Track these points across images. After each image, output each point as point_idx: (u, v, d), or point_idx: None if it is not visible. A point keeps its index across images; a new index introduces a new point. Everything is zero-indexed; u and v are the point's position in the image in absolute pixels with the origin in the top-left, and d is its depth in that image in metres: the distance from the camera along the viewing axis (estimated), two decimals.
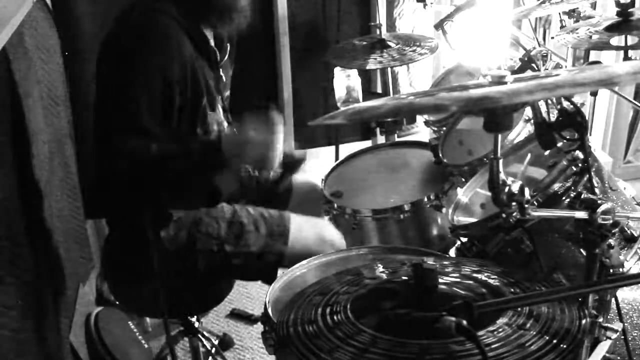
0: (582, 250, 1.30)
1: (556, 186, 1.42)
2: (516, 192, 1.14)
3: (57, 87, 2.24)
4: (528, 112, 1.79)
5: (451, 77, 2.52)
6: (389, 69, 3.05)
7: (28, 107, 1.80)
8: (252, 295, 2.75)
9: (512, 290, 1.11)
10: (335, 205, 2.01)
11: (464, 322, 0.89)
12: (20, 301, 1.55)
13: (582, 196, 1.29)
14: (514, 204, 1.15)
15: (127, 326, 2.34)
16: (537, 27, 3.00)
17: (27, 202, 1.71)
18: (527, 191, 1.15)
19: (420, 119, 2.97)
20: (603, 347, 1.16)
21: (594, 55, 2.62)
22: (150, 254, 1.70)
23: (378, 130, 3.19)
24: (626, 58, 2.10)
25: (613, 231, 1.15)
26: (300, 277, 1.51)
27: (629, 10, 1.95)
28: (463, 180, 1.85)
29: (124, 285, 1.84)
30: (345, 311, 1.08)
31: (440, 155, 1.98)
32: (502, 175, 1.13)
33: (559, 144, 1.40)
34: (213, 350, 2.07)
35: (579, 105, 1.25)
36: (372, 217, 1.96)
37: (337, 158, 3.08)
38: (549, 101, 1.74)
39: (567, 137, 1.33)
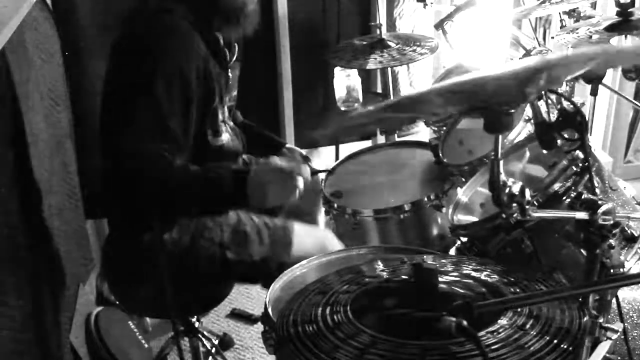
0: (582, 250, 1.30)
1: (556, 186, 1.42)
2: (516, 192, 1.14)
3: (57, 87, 2.24)
4: (528, 112, 1.79)
5: (451, 77, 2.51)
6: (389, 68, 3.05)
7: (28, 107, 1.80)
8: (252, 295, 2.75)
9: (512, 289, 1.11)
10: (335, 205, 2.01)
11: (464, 322, 0.89)
12: (20, 301, 1.55)
13: (583, 196, 1.29)
14: (514, 204, 1.15)
15: (127, 326, 2.34)
16: (537, 27, 3.00)
17: (27, 202, 1.71)
18: (527, 191, 1.15)
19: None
20: (603, 347, 1.16)
21: None
22: (150, 254, 1.70)
23: (378, 130, 3.19)
24: None
25: (614, 231, 1.15)
26: (300, 277, 1.51)
27: (629, 10, 1.95)
28: (463, 180, 1.85)
29: (124, 285, 1.84)
30: (345, 311, 1.08)
31: (441, 155, 1.98)
32: (502, 176, 1.13)
33: (559, 144, 1.40)
34: (213, 350, 2.07)
35: (579, 105, 1.25)
36: (373, 217, 1.96)
37: (337, 158, 3.08)
38: (549, 101, 1.73)
39: (567, 137, 1.32)
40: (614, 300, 1.33)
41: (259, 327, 1.38)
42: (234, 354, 2.47)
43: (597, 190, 1.37)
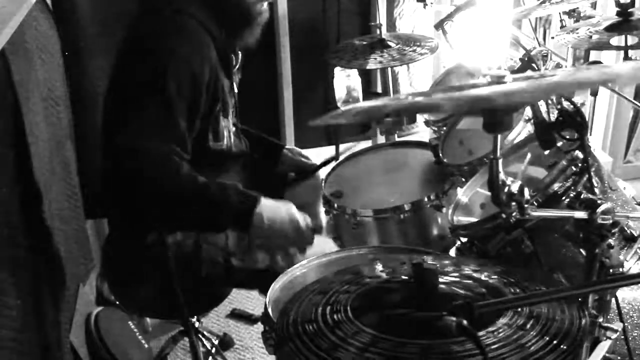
0: (582, 250, 1.30)
1: (556, 186, 1.42)
2: (516, 192, 1.14)
3: (57, 87, 2.24)
4: (528, 112, 1.79)
5: (451, 77, 2.52)
6: (389, 69, 3.05)
7: (28, 108, 1.80)
8: (252, 295, 2.74)
9: (512, 290, 1.11)
10: (335, 205, 2.01)
11: (465, 322, 0.89)
12: (20, 301, 1.55)
13: (582, 196, 1.29)
14: (513, 204, 1.15)
15: (127, 326, 2.34)
16: (537, 27, 3.01)
17: (27, 202, 1.71)
18: (527, 191, 1.15)
19: (420, 118, 2.97)
20: (603, 347, 1.16)
21: (594, 55, 2.62)
22: (151, 255, 1.70)
23: (378, 130, 3.19)
24: (626, 58, 2.10)
25: (613, 231, 1.15)
26: (300, 277, 1.51)
27: (629, 10, 1.95)
28: (463, 180, 1.85)
29: (124, 285, 1.84)
30: (346, 310, 1.08)
31: (441, 155, 1.98)
32: (502, 175, 1.13)
33: (559, 144, 1.40)
34: (213, 350, 2.07)
35: (579, 105, 1.25)
36: (372, 217, 1.96)
37: (337, 158, 3.08)
38: (549, 101, 1.74)
39: (567, 137, 1.33)
40: (613, 300, 1.33)
41: (259, 327, 1.38)
42: (234, 354, 2.47)
43: (597, 190, 1.37)
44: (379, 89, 3.33)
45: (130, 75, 1.64)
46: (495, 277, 1.16)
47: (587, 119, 1.29)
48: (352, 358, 0.97)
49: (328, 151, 3.30)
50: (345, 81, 2.98)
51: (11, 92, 1.69)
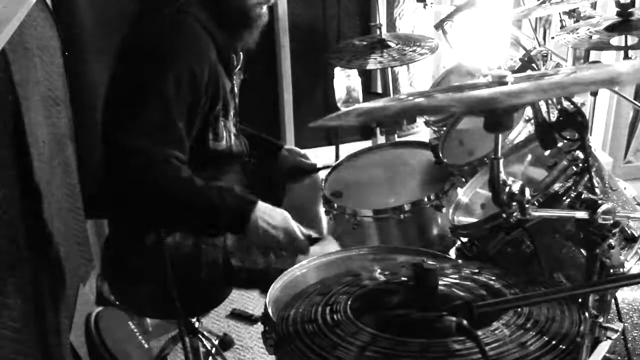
0: (582, 250, 1.30)
1: (556, 186, 1.42)
2: (516, 192, 1.14)
3: (57, 87, 2.24)
4: (528, 112, 1.79)
5: (451, 77, 2.52)
6: (389, 69, 3.05)
7: (28, 108, 1.80)
8: (252, 295, 2.74)
9: (512, 291, 1.11)
10: (335, 205, 2.01)
11: (465, 321, 0.89)
12: (20, 301, 1.55)
13: (583, 196, 1.29)
14: (514, 204, 1.15)
15: (127, 326, 2.34)
16: (537, 27, 3.00)
17: (27, 202, 1.71)
18: (527, 191, 1.15)
19: (420, 119, 2.97)
20: (603, 347, 1.16)
21: (594, 55, 2.62)
22: (151, 255, 1.70)
23: (378, 130, 3.19)
24: (626, 58, 2.10)
25: (613, 231, 1.15)
26: (300, 277, 1.51)
27: (629, 10, 1.95)
28: (463, 180, 1.85)
29: (124, 286, 1.84)
30: (345, 310, 1.08)
31: (441, 155, 1.98)
32: (502, 175, 1.13)
33: (560, 144, 1.40)
34: (213, 350, 2.07)
35: (579, 105, 1.25)
36: (373, 217, 1.95)
37: (337, 158, 3.08)
38: (549, 101, 1.73)
39: (568, 137, 1.33)
40: (613, 300, 1.33)
41: (259, 327, 1.38)
42: (234, 354, 2.47)
43: (597, 190, 1.37)
44: (379, 89, 3.33)
45: (130, 75, 1.63)
46: (495, 279, 1.16)
47: (587, 119, 1.29)
48: (352, 357, 0.97)
49: (328, 151, 3.31)
50: (345, 81, 2.98)
51: (11, 92, 1.69)
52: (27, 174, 1.76)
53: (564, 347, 0.95)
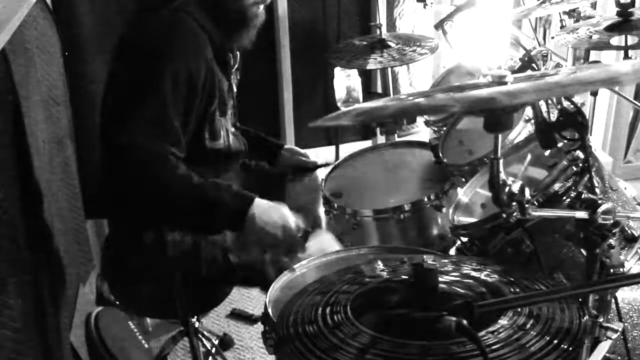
0: (582, 250, 1.30)
1: (556, 186, 1.42)
2: (516, 192, 1.14)
3: (57, 87, 2.24)
4: (528, 112, 1.79)
5: (451, 77, 2.52)
6: (389, 69, 3.05)
7: (28, 108, 1.80)
8: (252, 295, 2.75)
9: (512, 289, 1.11)
10: (335, 205, 2.01)
11: (465, 322, 0.89)
12: (20, 301, 1.55)
13: (583, 196, 1.29)
14: (514, 203, 1.15)
15: (127, 326, 2.34)
16: (537, 27, 3.00)
17: (27, 202, 1.71)
18: (527, 191, 1.15)
19: (420, 119, 2.97)
20: (603, 347, 1.16)
21: (594, 55, 2.62)
22: (151, 255, 1.70)
23: (378, 130, 3.19)
24: (626, 58, 2.10)
25: (613, 231, 1.15)
26: (300, 277, 1.51)
27: (629, 10, 1.95)
28: (463, 180, 1.85)
29: (124, 285, 1.84)
30: (345, 311, 1.08)
31: (441, 155, 1.98)
32: (502, 175, 1.13)
33: (560, 144, 1.40)
34: (213, 350, 2.07)
35: (579, 105, 1.25)
36: (372, 217, 1.96)
37: (337, 158, 3.08)
38: (549, 101, 1.73)
39: (568, 137, 1.33)
40: (613, 300, 1.33)
41: (259, 327, 1.38)
42: (234, 354, 2.47)
43: (597, 190, 1.37)
44: (379, 89, 3.33)
45: (127, 74, 1.64)
46: (496, 276, 1.16)
47: (587, 119, 1.29)
48: (352, 358, 0.97)
49: (328, 151, 3.30)
50: (345, 81, 2.98)
51: (11, 92, 1.69)
52: (27, 174, 1.76)
53: (565, 346, 0.95)
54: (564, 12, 2.41)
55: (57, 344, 1.86)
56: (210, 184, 1.59)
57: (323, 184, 2.10)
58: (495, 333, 0.98)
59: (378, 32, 2.83)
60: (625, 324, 1.43)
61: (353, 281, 1.20)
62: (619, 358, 1.42)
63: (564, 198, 1.41)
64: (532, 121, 1.71)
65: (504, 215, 1.23)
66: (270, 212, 1.61)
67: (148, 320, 2.55)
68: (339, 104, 3.00)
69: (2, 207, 1.53)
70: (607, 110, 3.29)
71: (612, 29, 1.97)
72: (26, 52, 1.88)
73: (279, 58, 3.21)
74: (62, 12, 2.46)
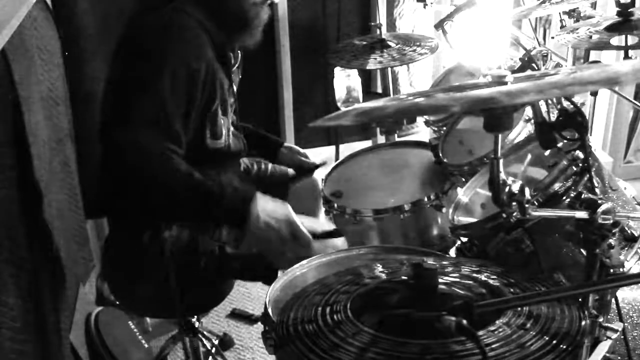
0: (582, 250, 1.30)
1: (556, 186, 1.42)
2: (516, 192, 1.14)
3: (57, 87, 2.24)
4: (528, 112, 1.79)
5: (451, 77, 2.52)
6: (389, 69, 3.05)
7: (28, 107, 1.79)
8: (252, 295, 2.75)
9: (512, 290, 1.11)
10: (335, 205, 2.01)
11: (464, 321, 0.89)
12: (20, 301, 1.55)
13: (583, 196, 1.29)
14: (514, 203, 1.15)
15: (127, 326, 2.34)
16: (537, 27, 3.01)
17: (27, 202, 1.71)
18: (527, 191, 1.15)
19: (420, 118, 2.97)
20: (603, 347, 1.16)
21: (594, 55, 2.62)
22: (150, 254, 1.70)
23: (378, 130, 3.19)
24: (626, 58, 2.10)
25: (613, 231, 1.15)
26: (300, 277, 1.51)
27: (629, 10, 1.95)
28: (463, 180, 1.85)
29: (124, 285, 1.84)
30: (346, 311, 1.08)
31: (441, 155, 1.98)
32: (502, 175, 1.13)
33: (559, 144, 1.40)
34: (213, 350, 2.07)
35: (579, 105, 1.25)
36: (373, 217, 1.96)
37: (337, 158, 3.08)
38: (549, 101, 1.74)
39: (568, 137, 1.33)
40: (613, 300, 1.33)
41: (259, 327, 1.38)
42: (234, 354, 2.47)
43: (597, 190, 1.37)
44: (379, 89, 3.33)
45: (126, 73, 1.64)
46: (495, 277, 1.16)
47: (587, 119, 1.29)
48: (352, 358, 0.97)
49: (328, 151, 3.31)
50: (345, 81, 2.98)
51: (11, 91, 1.69)
52: (27, 174, 1.76)
53: (564, 346, 0.95)
54: (564, 12, 2.41)
55: (57, 344, 1.86)
56: (212, 180, 1.59)
57: (323, 184, 2.10)
58: (495, 333, 0.98)
59: (378, 32, 2.83)
60: (626, 324, 1.42)
61: (353, 282, 1.20)
62: (619, 358, 1.42)
63: (564, 198, 1.41)
64: (532, 121, 1.71)
65: (504, 215, 1.23)
66: (274, 208, 1.58)
67: (148, 320, 2.55)
68: (339, 104, 3.01)
69: (2, 207, 1.54)
70: (607, 110, 3.29)
71: (612, 29, 1.97)
72: (26, 52, 1.88)
73: (279, 58, 3.21)
74: (62, 12, 2.46)
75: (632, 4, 1.97)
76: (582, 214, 1.15)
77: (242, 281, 2.43)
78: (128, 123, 1.53)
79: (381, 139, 3.21)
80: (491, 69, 1.33)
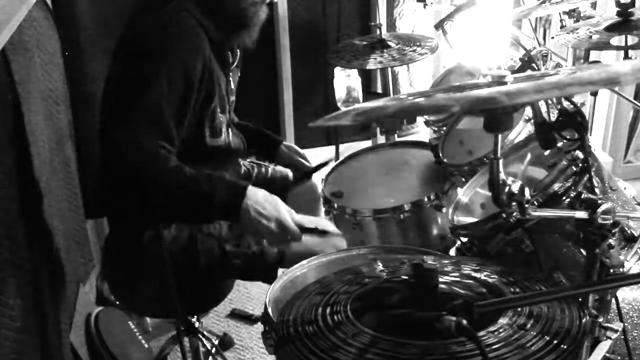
0: (582, 250, 1.30)
1: (556, 186, 1.42)
2: (516, 192, 1.14)
3: (57, 87, 2.24)
4: (528, 112, 1.79)
5: (451, 77, 2.52)
6: (389, 69, 3.05)
7: (28, 107, 1.80)
8: (252, 295, 2.75)
9: (512, 289, 1.11)
10: (335, 205, 2.01)
11: (464, 322, 0.89)
12: (20, 301, 1.55)
13: (583, 196, 1.29)
14: (514, 203, 1.15)
15: (127, 326, 2.34)
16: (537, 27, 3.01)
17: (27, 202, 1.71)
18: (527, 191, 1.15)
19: (420, 118, 2.97)
20: (603, 347, 1.16)
21: (594, 55, 2.62)
22: (150, 253, 1.70)
23: (378, 130, 3.19)
24: (626, 58, 2.10)
25: (613, 231, 1.15)
26: (300, 277, 1.51)
27: (629, 10, 1.95)
28: (463, 180, 1.85)
29: (124, 285, 1.84)
30: (346, 311, 1.08)
31: (441, 155, 1.98)
32: (502, 175, 1.13)
33: (559, 144, 1.40)
34: (213, 350, 2.07)
35: (579, 105, 1.25)
36: (373, 217, 1.96)
37: (337, 158, 3.08)
38: (549, 101, 1.74)
39: (567, 137, 1.33)
40: (613, 300, 1.33)
41: (259, 327, 1.38)
42: (234, 354, 2.47)
43: (597, 190, 1.37)
44: (379, 89, 3.33)
45: (124, 72, 1.65)
46: (495, 276, 1.16)
47: (587, 119, 1.29)
48: (352, 358, 0.97)
49: (328, 151, 3.31)
50: (345, 81, 2.98)
51: (11, 91, 1.69)
52: (27, 174, 1.76)
53: (565, 346, 0.95)
54: (564, 12, 2.41)
55: (57, 344, 1.86)
56: (202, 175, 1.59)
57: (323, 184, 2.10)
58: (495, 333, 0.98)
59: (378, 32, 2.83)
60: (626, 324, 1.42)
61: (353, 281, 1.20)
62: (619, 358, 1.42)
63: (564, 198, 1.41)
64: (532, 121, 1.71)
65: (504, 215, 1.23)
66: (264, 203, 1.59)
67: (148, 320, 2.55)
68: (339, 104, 3.01)
69: (2, 207, 1.54)
70: (607, 110, 3.29)
71: (612, 29, 1.97)
72: (26, 52, 1.88)
73: (279, 58, 3.21)
74: (62, 12, 2.46)
75: (632, 4, 1.97)
76: (582, 214, 1.15)
77: (242, 281, 2.43)
78: (128, 123, 1.54)
79: (381, 139, 3.21)
80: (491, 69, 1.34)
